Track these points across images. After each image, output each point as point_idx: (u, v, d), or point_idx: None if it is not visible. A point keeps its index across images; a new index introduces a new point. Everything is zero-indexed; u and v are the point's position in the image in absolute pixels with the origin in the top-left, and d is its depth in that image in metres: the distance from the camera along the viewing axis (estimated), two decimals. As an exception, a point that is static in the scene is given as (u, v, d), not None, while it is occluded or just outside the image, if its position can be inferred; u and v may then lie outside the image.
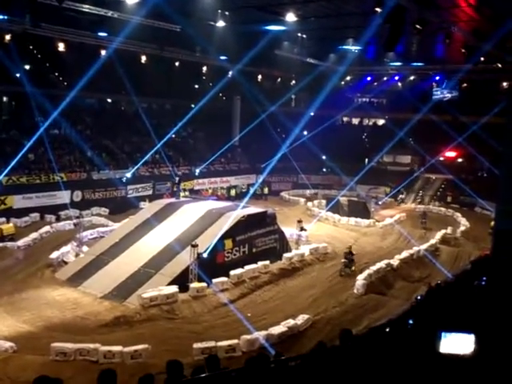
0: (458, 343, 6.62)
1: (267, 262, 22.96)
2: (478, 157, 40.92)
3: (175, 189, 32.83)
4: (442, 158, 44.70)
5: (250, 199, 33.87)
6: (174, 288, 19.08)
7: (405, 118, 42.16)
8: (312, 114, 44.56)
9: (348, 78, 51.12)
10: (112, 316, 17.48)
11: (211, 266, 20.89)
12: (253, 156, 45.41)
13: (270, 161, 40.01)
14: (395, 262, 24.23)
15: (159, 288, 18.97)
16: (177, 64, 40.54)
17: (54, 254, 22.68)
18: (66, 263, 22.69)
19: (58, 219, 29.58)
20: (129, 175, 35.80)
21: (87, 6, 27.29)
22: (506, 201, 14.34)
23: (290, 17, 30.42)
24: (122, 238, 23.56)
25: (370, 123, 55.11)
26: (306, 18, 31.84)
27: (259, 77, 48.02)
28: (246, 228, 23.62)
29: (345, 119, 55.50)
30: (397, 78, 50.12)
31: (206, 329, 17.17)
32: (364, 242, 28.95)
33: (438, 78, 46.55)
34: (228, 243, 22.58)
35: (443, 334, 6.64)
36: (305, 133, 44.50)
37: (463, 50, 30.74)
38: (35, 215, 29.34)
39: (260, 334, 15.78)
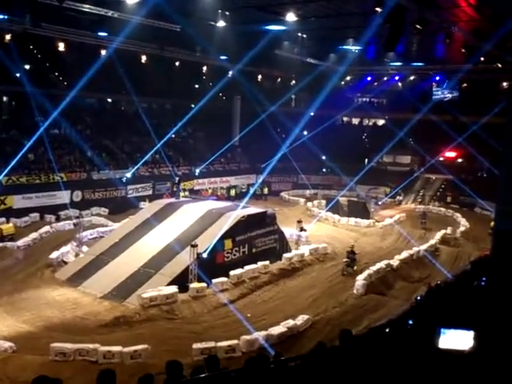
0: (457, 339, 6.64)
1: (267, 263, 22.95)
2: (478, 157, 40.91)
3: (175, 189, 32.82)
4: (441, 158, 44.71)
5: (249, 199, 33.87)
6: (174, 288, 19.07)
7: (405, 118, 42.17)
8: (312, 113, 44.57)
9: (348, 78, 51.12)
10: (112, 316, 17.47)
11: (211, 266, 20.89)
12: (253, 156, 45.41)
13: (269, 161, 40.02)
14: (395, 262, 24.23)
15: (159, 288, 18.96)
16: (177, 64, 40.53)
17: (54, 254, 22.68)
18: (65, 263, 22.68)
19: (58, 219, 29.58)
20: (129, 175, 35.80)
21: (87, 6, 27.28)
22: (506, 201, 14.32)
23: (290, 17, 30.42)
24: (122, 238, 23.55)
25: (370, 123, 55.12)
26: (306, 18, 31.84)
27: (259, 77, 48.02)
28: (245, 228, 23.61)
29: (345, 119, 55.51)
30: (397, 77, 50.12)
31: (206, 329, 17.16)
32: (364, 243, 28.93)
33: (438, 78, 46.56)
34: (228, 243, 22.57)
35: (442, 330, 6.66)
36: (305, 133, 44.50)
37: (463, 50, 30.75)
38: (35, 215, 29.34)
39: (260, 335, 15.77)
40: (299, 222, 27.66)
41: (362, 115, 54.47)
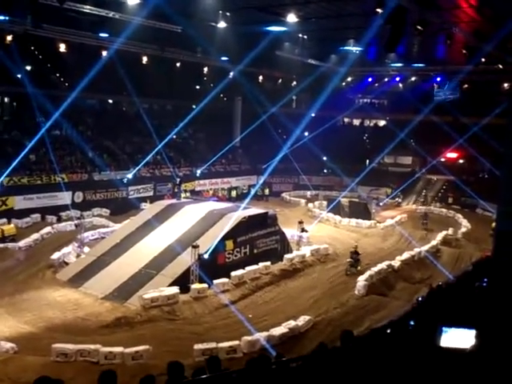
0: (458, 338, 6.65)
1: (268, 263, 22.95)
2: (479, 158, 40.89)
3: (176, 190, 32.83)
4: (443, 159, 44.70)
5: (250, 200, 33.91)
6: (175, 289, 19.08)
7: (406, 119, 42.15)
8: (313, 114, 44.63)
9: (349, 79, 51.07)
10: (113, 317, 17.47)
11: (212, 266, 20.90)
12: (254, 157, 45.45)
13: (270, 162, 40.09)
14: (396, 263, 24.22)
15: (160, 289, 18.96)
16: (178, 65, 40.57)
17: (55, 255, 22.71)
18: (67, 264, 22.70)
19: (59, 220, 29.63)
20: (130, 176, 35.83)
21: (88, 7, 27.29)
22: (507, 202, 14.35)
23: (291, 18, 30.42)
24: (123, 238, 23.56)
25: (371, 124, 55.13)
26: (306, 19, 31.83)
27: (260, 78, 48.06)
28: (247, 229, 23.62)
29: (346, 120, 55.55)
30: (398, 78, 50.08)
31: (207, 330, 17.16)
32: (365, 243, 28.89)
33: (439, 79, 46.52)
34: (229, 244, 22.58)
35: (444, 328, 6.66)
36: (306, 134, 44.52)
37: (464, 51, 30.70)
38: (36, 216, 29.38)
39: (261, 335, 15.77)
40: (300, 222, 27.66)
41: (362, 116, 54.48)
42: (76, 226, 26.77)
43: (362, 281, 21.22)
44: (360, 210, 34.81)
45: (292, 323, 16.93)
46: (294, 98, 52.47)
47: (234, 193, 41.28)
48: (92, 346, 14.35)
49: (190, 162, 41.68)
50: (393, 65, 45.74)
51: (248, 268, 22.00)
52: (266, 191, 42.21)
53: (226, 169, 43.75)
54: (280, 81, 50.81)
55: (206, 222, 23.73)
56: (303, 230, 27.43)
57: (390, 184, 43.25)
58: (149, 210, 27.13)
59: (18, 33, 29.43)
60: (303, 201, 40.88)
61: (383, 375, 5.98)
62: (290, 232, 27.58)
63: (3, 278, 20.87)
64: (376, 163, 45.64)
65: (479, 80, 43.85)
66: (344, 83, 50.84)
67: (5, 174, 29.14)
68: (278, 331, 16.31)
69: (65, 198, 31.34)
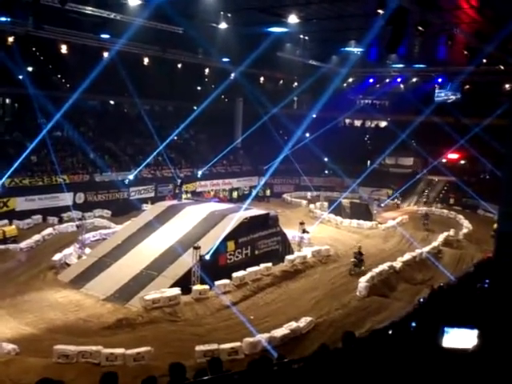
0: (460, 338, 6.65)
1: (269, 265, 22.95)
2: (481, 159, 40.89)
3: (177, 191, 32.82)
4: (444, 160, 44.70)
5: (252, 201, 33.94)
6: (177, 290, 19.07)
7: (407, 120, 42.13)
8: (314, 115, 44.63)
9: (350, 80, 51.11)
10: (114, 318, 17.47)
11: (213, 268, 20.89)
12: (255, 158, 45.46)
13: (272, 163, 40.08)
14: (398, 264, 24.22)
15: (161, 290, 18.95)
16: (179, 66, 40.63)
17: (57, 256, 22.71)
18: (68, 265, 22.70)
19: (61, 221, 29.63)
20: (131, 177, 35.86)
21: (90, 8, 27.32)
22: (509, 203, 14.33)
23: (292, 19, 30.45)
24: (125, 240, 23.56)
25: (373, 125, 55.12)
26: (308, 20, 31.84)
27: (261, 79, 48.10)
28: (248, 230, 23.61)
29: (347, 121, 55.52)
30: (399, 79, 50.03)
31: (209, 331, 17.15)
32: (366, 245, 28.80)
33: (440, 80, 46.52)
34: (230, 245, 22.57)
35: (446, 329, 6.66)
36: (307, 135, 44.49)
37: (465, 52, 30.67)
38: (38, 217, 29.38)
39: (262, 337, 15.77)
40: (301, 223, 27.63)
41: (364, 117, 54.43)
42: (77, 227, 26.78)
43: (363, 282, 21.20)
44: (361, 211, 34.80)
45: (293, 324, 16.92)
46: (295, 98, 52.47)
47: (235, 194, 41.32)
48: (93, 348, 14.36)
49: (191, 163, 41.70)
50: (394, 66, 45.73)
51: (249, 269, 21.99)
52: (267, 192, 42.24)
53: (227, 170, 43.78)
54: (281, 82, 50.84)
55: (208, 223, 23.72)
56: (304, 231, 27.41)
57: (391, 185, 43.24)
58: (150, 211, 27.13)
59: (19, 34, 29.51)
60: (304, 202, 40.88)
61: (385, 376, 5.97)
62: (292, 233, 27.57)
63: (4, 279, 20.88)
64: (377, 164, 45.60)
65: (480, 81, 43.85)
66: (345, 84, 50.88)
67: (6, 175, 29.17)
68: (279, 332, 16.31)
69: (66, 199, 31.35)
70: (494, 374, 5.96)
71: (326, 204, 38.23)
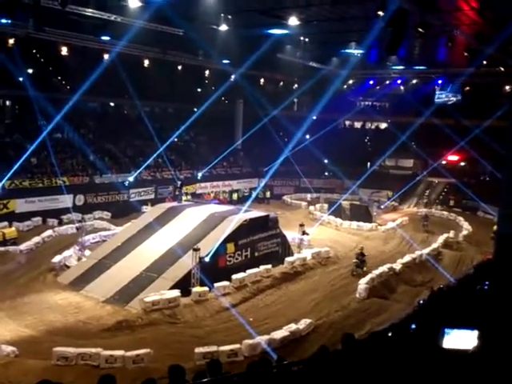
0: (461, 339, 6.64)
1: (269, 266, 22.92)
2: (481, 160, 40.92)
3: (177, 193, 32.87)
4: (444, 162, 44.69)
5: (252, 203, 33.89)
6: (176, 292, 19.07)
7: (407, 122, 42.14)
8: (314, 117, 44.61)
9: (350, 82, 51.16)
10: (114, 320, 17.46)
11: (213, 270, 20.87)
12: (255, 160, 45.47)
13: (272, 165, 40.05)
14: (397, 266, 24.20)
15: (161, 292, 18.95)
16: (179, 68, 40.63)
17: (57, 258, 22.70)
18: (68, 267, 22.69)
19: (61, 223, 29.63)
20: (131, 179, 35.86)
21: (90, 10, 27.35)
22: (509, 204, 14.33)
23: (293, 21, 30.43)
24: (124, 241, 23.55)
25: (373, 127, 55.14)
26: (308, 22, 31.82)
27: (262, 80, 48.11)
28: (248, 232, 23.59)
29: (347, 123, 55.52)
30: (399, 81, 50.08)
31: (208, 333, 17.13)
32: (366, 246, 28.60)
33: (440, 81, 46.53)
34: (230, 247, 22.56)
35: (446, 330, 6.65)
36: (307, 137, 44.55)
37: (466, 54, 30.66)
38: (37, 219, 29.38)
39: (262, 339, 15.75)
40: (301, 225, 27.61)
41: (364, 119, 54.47)
42: (77, 229, 26.79)
43: (363, 284, 21.18)
44: (361, 213, 34.77)
45: (293, 326, 16.90)
46: (296, 100, 52.53)
47: (235, 195, 41.33)
48: (93, 350, 14.35)
49: (191, 164, 41.72)
50: (394, 67, 45.78)
51: (249, 271, 21.98)
52: (267, 194, 42.25)
53: (227, 171, 43.80)
54: (281, 83, 50.88)
55: (207, 224, 23.71)
56: (304, 233, 27.39)
57: (389, 192, 43.16)
58: (150, 213, 27.14)
59: (20, 36, 29.55)
60: (304, 203, 40.85)
61: (385, 378, 5.96)
62: (291, 235, 27.55)
63: (4, 281, 20.87)
64: (377, 166, 45.62)
65: (481, 82, 43.86)
66: (345, 86, 50.92)
67: (6, 177, 29.19)
68: (279, 334, 16.28)
69: (66, 201, 31.35)
70: (494, 374, 5.95)
71: (325, 206, 38.21)
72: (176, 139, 41.60)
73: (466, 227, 33.11)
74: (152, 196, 36.69)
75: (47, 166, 32.47)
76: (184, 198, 32.61)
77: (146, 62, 37.27)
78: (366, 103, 53.63)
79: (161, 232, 23.69)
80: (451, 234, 30.93)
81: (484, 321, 7.17)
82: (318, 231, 31.13)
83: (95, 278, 20.93)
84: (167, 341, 16.27)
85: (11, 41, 29.57)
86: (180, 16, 27.45)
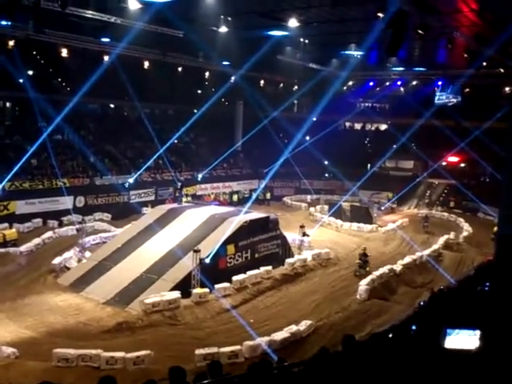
0: (463, 339, 6.64)
1: (269, 268, 22.92)
2: (481, 162, 40.91)
3: (177, 194, 32.88)
4: (444, 163, 44.68)
5: (252, 204, 33.86)
6: (177, 294, 19.06)
7: (407, 123, 42.13)
8: (314, 119, 44.58)
9: (350, 83, 51.10)
10: (114, 322, 17.47)
11: (213, 271, 20.87)
12: (255, 161, 45.49)
13: (272, 166, 40.11)
14: (398, 267, 24.19)
15: (161, 294, 18.95)
16: (179, 69, 40.62)
17: (57, 260, 22.71)
18: (68, 269, 22.70)
19: (61, 225, 29.64)
20: (131, 181, 35.87)
21: (90, 12, 27.33)
22: (509, 206, 14.29)
23: (293, 22, 30.42)
24: (125, 243, 23.56)
25: (373, 128, 55.15)
26: (308, 24, 31.80)
27: (261, 82, 48.09)
28: (248, 233, 23.60)
29: (347, 124, 55.56)
30: (399, 83, 50.11)
31: (209, 335, 17.13)
32: (367, 248, 28.87)
33: (440, 83, 46.53)
34: (230, 248, 22.56)
35: (448, 330, 6.65)
36: (307, 138, 44.52)
37: (465, 55, 30.71)
38: (38, 221, 29.39)
39: (262, 340, 15.74)
40: (302, 227, 27.63)
41: (364, 120, 54.49)
42: (77, 230, 26.82)
43: (363, 285, 21.18)
44: (361, 214, 34.77)
45: (293, 328, 16.89)
46: (296, 102, 52.57)
47: (235, 197, 41.32)
48: (93, 351, 14.34)
49: (191, 166, 41.72)
50: (394, 69, 45.76)
51: (249, 272, 21.97)
52: (268, 195, 42.25)
53: (227, 173, 43.79)
54: (281, 85, 50.88)
55: (208, 226, 23.72)
56: (304, 235, 27.41)
57: (389, 194, 43.15)
58: (150, 215, 27.15)
59: (20, 38, 29.53)
60: (304, 205, 40.85)
61: (385, 380, 5.96)
62: (292, 236, 27.56)
63: (5, 282, 20.88)
64: (377, 167, 45.61)
65: (480, 84, 43.85)
66: (345, 87, 50.85)
67: (6, 179, 29.20)
68: (279, 336, 16.28)
69: (66, 202, 31.36)
70: (497, 374, 5.95)
71: (326, 207, 38.21)
72: (176, 141, 41.61)
73: (467, 228, 33.09)
74: (152, 197, 36.69)
75: (47, 168, 32.49)
76: (184, 199, 32.63)
77: (146, 64, 37.28)
78: (366, 105, 53.63)
79: (161, 233, 23.70)
80: (451, 235, 30.93)
81: (485, 322, 7.17)
82: (318, 233, 31.12)
83: (95, 279, 20.94)
84: (168, 342, 16.26)
85: (11, 42, 29.53)
86: (180, 18, 27.42)
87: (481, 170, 43.02)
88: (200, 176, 40.67)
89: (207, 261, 20.48)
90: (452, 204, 41.20)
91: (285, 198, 43.21)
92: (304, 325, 17.25)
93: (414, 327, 9.41)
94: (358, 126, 56.23)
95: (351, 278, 23.49)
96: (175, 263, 20.91)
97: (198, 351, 14.57)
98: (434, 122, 41.30)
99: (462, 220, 35.87)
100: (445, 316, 8.44)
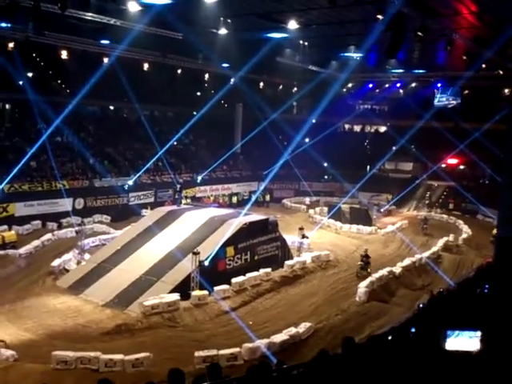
0: (463, 341, 6.65)
1: (269, 270, 22.91)
2: (480, 163, 40.96)
3: (177, 196, 32.81)
4: (443, 165, 44.73)
5: (251, 206, 33.93)
6: (176, 296, 19.03)
7: (406, 125, 42.21)
8: (314, 121, 44.65)
9: (350, 85, 51.09)
10: (113, 324, 17.44)
11: (213, 273, 20.86)
12: (254, 163, 45.49)
13: (271, 168, 40.12)
14: (397, 269, 24.20)
15: (161, 296, 18.92)
16: (179, 71, 40.66)
17: (56, 262, 22.68)
18: (67, 271, 22.67)
19: (60, 227, 29.59)
20: (131, 182, 35.86)
21: (90, 14, 27.30)
22: (508, 207, 14.29)
23: (292, 24, 30.44)
24: (124, 245, 23.53)
25: (372, 130, 55.20)
26: (307, 26, 31.81)
27: (261, 84, 48.11)
28: (247, 235, 23.59)
29: (346, 126, 55.63)
30: (398, 84, 50.13)
31: (208, 337, 17.11)
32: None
33: (439, 85, 46.61)
34: (230, 251, 22.55)
35: (449, 332, 6.65)
36: (306, 140, 44.61)
37: (464, 57, 30.68)
38: (37, 223, 29.35)
39: (262, 343, 15.72)
40: (301, 229, 27.59)
41: (363, 122, 54.57)
42: (77, 232, 26.76)
43: (363, 287, 21.17)
44: (361, 217, 34.80)
45: (293, 330, 16.88)
46: (295, 104, 52.58)
47: (234, 199, 41.28)
48: (92, 354, 14.32)
49: (190, 168, 41.72)
50: (393, 71, 45.76)
51: (249, 275, 21.96)
52: (267, 197, 42.22)
53: (226, 175, 43.78)
54: (281, 87, 50.86)
55: (207, 228, 23.71)
56: (304, 237, 27.37)
57: (389, 194, 43.19)
58: (149, 217, 27.12)
59: (19, 40, 29.54)
60: (304, 207, 40.87)
61: (385, 382, 5.95)
62: (291, 238, 27.53)
63: (4, 284, 20.84)
64: (377, 169, 45.66)
65: (480, 86, 43.89)
66: (345, 89, 50.87)
67: (6, 181, 29.17)
68: (278, 338, 16.27)
69: (65, 204, 31.33)
70: (498, 376, 5.95)
71: (325, 209, 38.21)
72: (175, 143, 41.63)
73: (466, 230, 33.11)
74: (151, 199, 36.66)
75: (47, 170, 32.45)
76: (183, 201, 32.61)
77: (146, 66, 37.29)
78: (366, 106, 53.69)
79: (160, 235, 23.68)
80: (451, 237, 30.96)
81: (484, 324, 7.17)
82: (317, 235, 31.13)
83: (94, 281, 20.91)
84: (167, 344, 16.24)
85: (11, 44, 29.57)
86: (179, 20, 27.43)
87: (480, 172, 43.07)
88: (199, 178, 40.67)
89: (206, 263, 20.46)
90: (451, 206, 41.21)
91: (284, 200, 43.23)
92: (303, 327, 17.24)
93: (413, 329, 9.41)
94: (357, 128, 56.29)
95: (350, 280, 23.49)
96: (174, 265, 20.88)
97: (198, 353, 14.56)
98: (434, 124, 41.34)
99: (461, 222, 35.90)
100: (444, 318, 8.43)
